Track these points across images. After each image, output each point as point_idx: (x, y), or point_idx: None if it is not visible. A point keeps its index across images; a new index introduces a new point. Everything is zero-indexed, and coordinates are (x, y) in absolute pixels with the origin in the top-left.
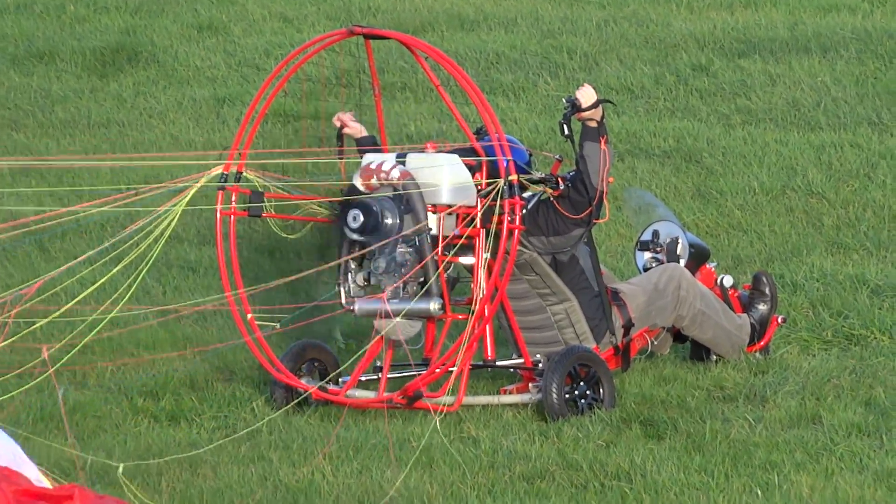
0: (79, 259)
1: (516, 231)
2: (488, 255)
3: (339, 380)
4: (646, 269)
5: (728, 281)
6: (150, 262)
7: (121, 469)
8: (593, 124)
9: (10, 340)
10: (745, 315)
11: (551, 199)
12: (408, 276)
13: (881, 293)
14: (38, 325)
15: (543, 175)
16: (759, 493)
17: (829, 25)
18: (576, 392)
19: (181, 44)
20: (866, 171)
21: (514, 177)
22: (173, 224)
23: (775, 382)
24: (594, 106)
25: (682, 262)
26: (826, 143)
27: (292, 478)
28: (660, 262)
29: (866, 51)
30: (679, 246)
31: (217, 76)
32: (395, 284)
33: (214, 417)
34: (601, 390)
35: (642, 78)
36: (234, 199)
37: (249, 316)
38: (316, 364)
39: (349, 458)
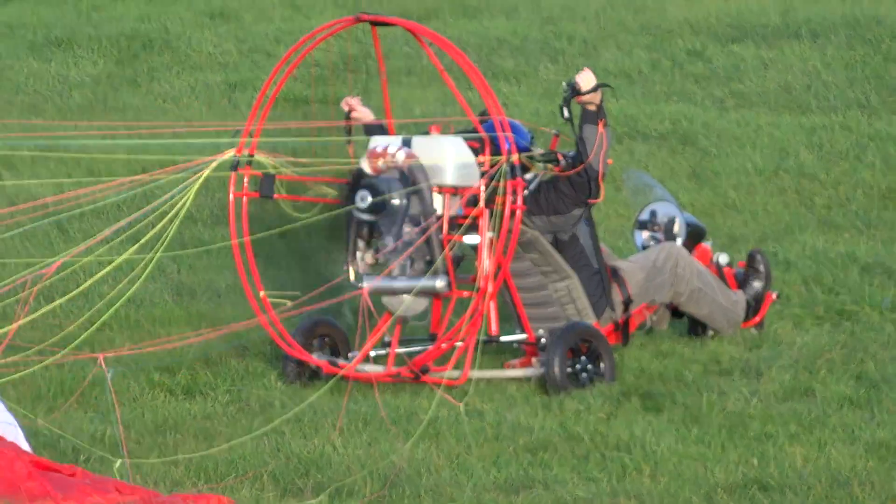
0: (96, 239)
1: (518, 211)
2: (492, 234)
3: (349, 354)
4: (644, 248)
5: (724, 259)
6: (166, 241)
7: (117, 464)
8: (592, 108)
9: (30, 317)
10: (740, 292)
11: (553, 178)
12: (409, 251)
13: (871, 270)
14: (56, 302)
15: (544, 151)
16: (756, 462)
17: (820, 11)
18: (577, 366)
19: (194, 31)
20: (856, 153)
21: (515, 156)
22: (188, 205)
23: (770, 357)
24: (593, 90)
25: (679, 240)
26: (817, 125)
27: (304, 449)
28: (658, 240)
29: (855, 36)
30: (676, 225)
31: (229, 62)
32: (389, 256)
33: (228, 391)
34: (602, 364)
35: (639, 63)
36: (246, 181)
37: (262, 294)
38: (326, 339)
39: (359, 431)
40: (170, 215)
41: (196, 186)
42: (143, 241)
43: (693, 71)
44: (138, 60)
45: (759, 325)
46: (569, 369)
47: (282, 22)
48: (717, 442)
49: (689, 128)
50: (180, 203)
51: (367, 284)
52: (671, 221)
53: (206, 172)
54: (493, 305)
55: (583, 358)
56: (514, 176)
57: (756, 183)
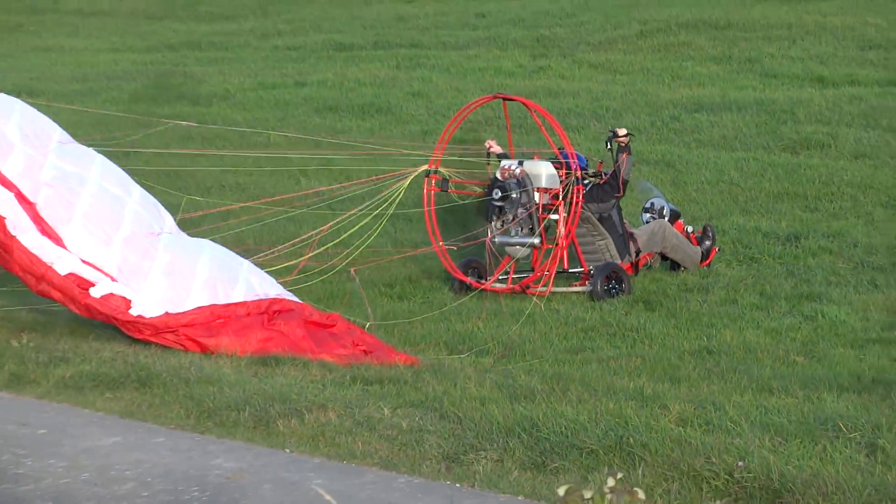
0: (349, 214)
1: (579, 203)
2: (565, 214)
3: (488, 277)
4: (647, 223)
5: (690, 228)
6: (388, 215)
7: (367, 325)
8: (623, 144)
9: (314, 252)
10: (698, 247)
11: (599, 184)
12: (515, 221)
13: (770, 235)
14: (326, 246)
15: (594, 171)
16: (705, 339)
17: (742, 96)
18: (610, 286)
19: (404, 102)
20: (761, 172)
21: (578, 172)
22: (401, 194)
23: (712, 282)
24: (624, 135)
25: (666, 218)
26: (740, 158)
27: (462, 329)
28: (654, 218)
29: (761, 109)
30: (665, 210)
31: (423, 119)
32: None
33: (422, 297)
34: (623, 285)
35: (644, 122)
36: (433, 182)
37: (441, 243)
38: (476, 269)
39: (491, 319)
40: (390, 200)
41: (406, 184)
42: (374, 213)
43: (674, 127)
44: (373, 119)
45: (708, 266)
46: (605, 288)
47: (452, 98)
48: (684, 327)
49: (671, 158)
50: (397, 192)
51: (497, 240)
52: (662, 208)
53: (411, 177)
54: (565, 253)
55: (613, 281)
56: (577, 183)
57: (707, 188)
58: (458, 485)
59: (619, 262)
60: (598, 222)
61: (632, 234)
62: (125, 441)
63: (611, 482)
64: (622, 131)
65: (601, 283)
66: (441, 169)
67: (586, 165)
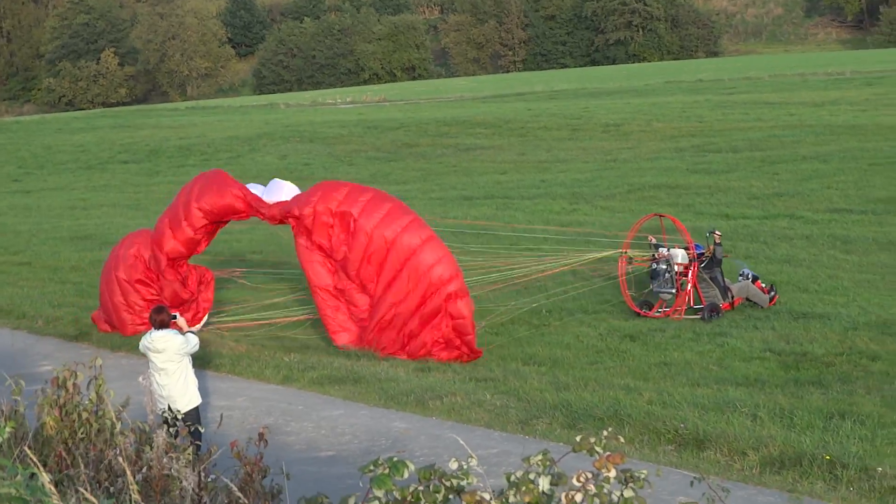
0: (560, 268)
1: (696, 271)
2: (689, 276)
3: (654, 309)
4: (740, 281)
5: (763, 284)
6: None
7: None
8: (717, 240)
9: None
10: (767, 295)
11: (708, 259)
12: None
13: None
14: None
15: (705, 251)
16: (663, 357)
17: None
18: (713, 315)
19: (500, 227)
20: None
21: (694, 254)
22: (592, 261)
23: (667, 325)
24: (718, 235)
25: (749, 279)
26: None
27: (539, 351)
28: (744, 279)
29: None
30: (749, 275)
31: (512, 237)
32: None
33: (604, 321)
34: (720, 314)
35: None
36: (624, 259)
37: (627, 292)
38: (645, 304)
39: (554, 347)
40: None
41: (604, 254)
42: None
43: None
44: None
45: (773, 305)
46: (710, 315)
47: (527, 225)
48: (652, 350)
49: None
50: (588, 260)
51: (655, 290)
52: (748, 274)
53: (610, 253)
54: (691, 297)
55: (715, 312)
56: (695, 260)
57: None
58: (526, 436)
59: (721, 302)
60: (709, 280)
61: (729, 288)
62: (346, 412)
63: (605, 433)
64: (718, 232)
65: (710, 313)
66: (628, 251)
67: (702, 251)
